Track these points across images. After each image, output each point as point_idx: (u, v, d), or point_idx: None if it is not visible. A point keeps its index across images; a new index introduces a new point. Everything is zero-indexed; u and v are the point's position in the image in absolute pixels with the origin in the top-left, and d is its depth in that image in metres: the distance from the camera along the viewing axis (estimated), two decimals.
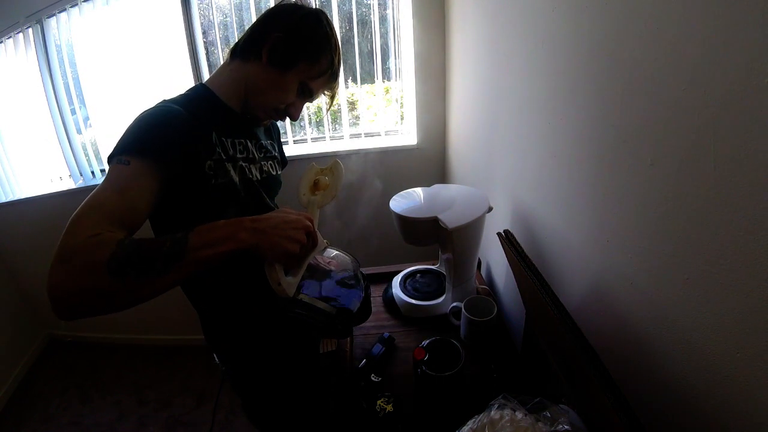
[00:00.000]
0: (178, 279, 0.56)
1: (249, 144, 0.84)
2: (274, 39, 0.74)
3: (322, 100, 0.89)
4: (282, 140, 1.04)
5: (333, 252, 0.80)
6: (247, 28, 0.80)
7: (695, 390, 0.53)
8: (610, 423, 0.54)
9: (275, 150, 0.96)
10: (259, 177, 0.85)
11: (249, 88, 0.79)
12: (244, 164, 0.81)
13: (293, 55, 0.76)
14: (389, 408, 0.86)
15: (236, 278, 0.81)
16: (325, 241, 0.75)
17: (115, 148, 0.63)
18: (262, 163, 0.88)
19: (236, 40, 0.81)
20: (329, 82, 0.84)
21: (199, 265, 0.57)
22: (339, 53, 0.82)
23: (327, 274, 0.76)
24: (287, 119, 0.85)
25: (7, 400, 2.10)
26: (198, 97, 0.77)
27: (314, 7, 0.82)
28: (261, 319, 0.87)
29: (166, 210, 0.70)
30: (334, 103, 0.91)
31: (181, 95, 0.78)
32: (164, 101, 0.73)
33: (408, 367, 0.96)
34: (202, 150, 0.70)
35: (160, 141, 0.64)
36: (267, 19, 0.78)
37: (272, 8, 0.80)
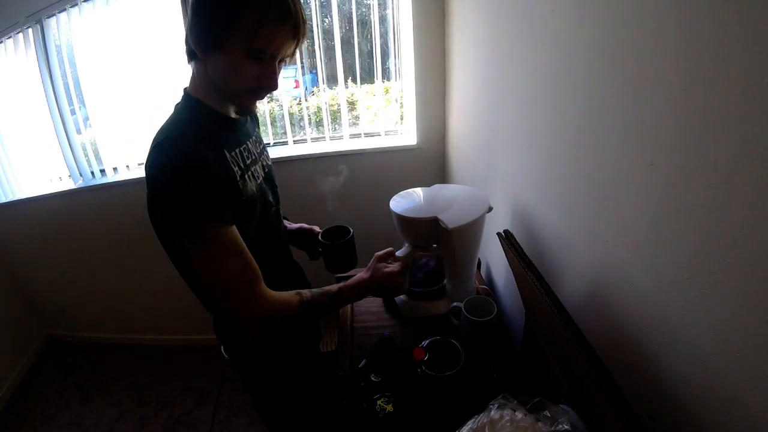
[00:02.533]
0: None
1: (249, 144, 0.84)
2: (191, 29, 0.69)
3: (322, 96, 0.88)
4: (282, 140, 1.05)
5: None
6: None
7: (695, 390, 0.53)
8: (610, 423, 0.54)
9: (260, 136, 0.96)
10: (263, 174, 0.86)
11: (215, 84, 0.74)
12: (252, 169, 0.81)
13: (218, 31, 0.67)
14: (389, 408, 0.86)
15: None
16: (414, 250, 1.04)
17: (182, 223, 0.66)
18: (261, 158, 0.88)
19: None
20: (279, 30, 0.68)
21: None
22: None
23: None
24: (272, 91, 0.78)
25: (7, 400, 2.09)
26: (199, 115, 0.75)
27: None
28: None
29: None
30: (304, 42, 0.79)
31: (184, 116, 0.75)
32: (177, 130, 0.70)
33: (408, 367, 0.96)
34: (233, 177, 0.73)
35: (212, 197, 0.67)
36: (190, 10, 0.70)
37: None
